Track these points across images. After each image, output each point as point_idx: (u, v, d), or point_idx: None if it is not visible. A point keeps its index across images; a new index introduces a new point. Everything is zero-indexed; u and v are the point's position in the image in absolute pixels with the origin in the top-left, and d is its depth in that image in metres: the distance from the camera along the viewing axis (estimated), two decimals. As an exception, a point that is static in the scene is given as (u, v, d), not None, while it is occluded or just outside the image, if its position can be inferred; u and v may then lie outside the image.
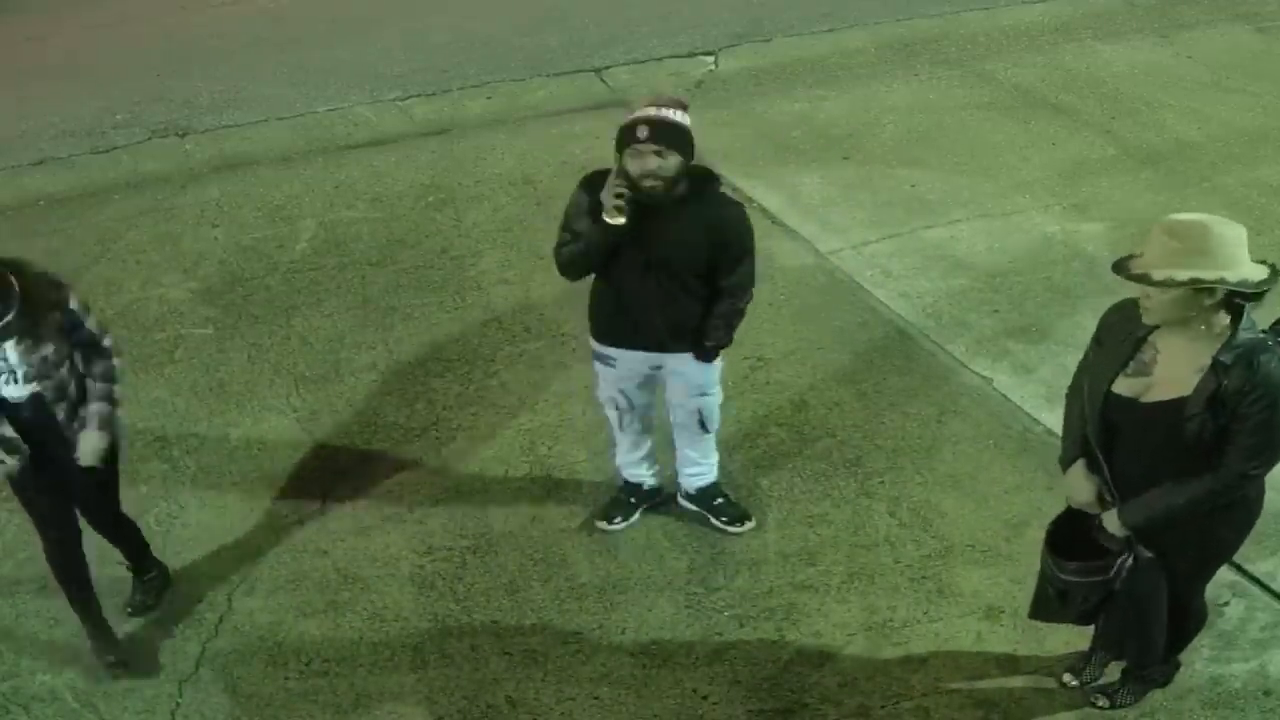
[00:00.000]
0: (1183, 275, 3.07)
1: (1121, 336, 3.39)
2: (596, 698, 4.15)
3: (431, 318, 6.14)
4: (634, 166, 3.99)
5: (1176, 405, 3.23)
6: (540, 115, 8.24)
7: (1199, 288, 3.09)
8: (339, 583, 4.62)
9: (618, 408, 4.58)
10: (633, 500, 4.85)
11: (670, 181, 4.01)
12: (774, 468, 5.09)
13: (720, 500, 4.82)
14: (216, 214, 7.18)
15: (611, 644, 4.34)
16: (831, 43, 9.09)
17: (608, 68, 8.80)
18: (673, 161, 3.98)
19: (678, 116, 4.02)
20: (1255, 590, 4.41)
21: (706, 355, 4.37)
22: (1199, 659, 4.14)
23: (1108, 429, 3.42)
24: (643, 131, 3.94)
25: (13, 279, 3.62)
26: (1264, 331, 3.26)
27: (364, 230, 6.94)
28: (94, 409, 3.91)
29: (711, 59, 8.92)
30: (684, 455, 4.76)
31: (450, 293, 6.33)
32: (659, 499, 4.88)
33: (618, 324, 4.35)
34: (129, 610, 4.41)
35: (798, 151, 7.60)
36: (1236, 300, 3.16)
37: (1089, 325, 5.76)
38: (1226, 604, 4.34)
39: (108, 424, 3.93)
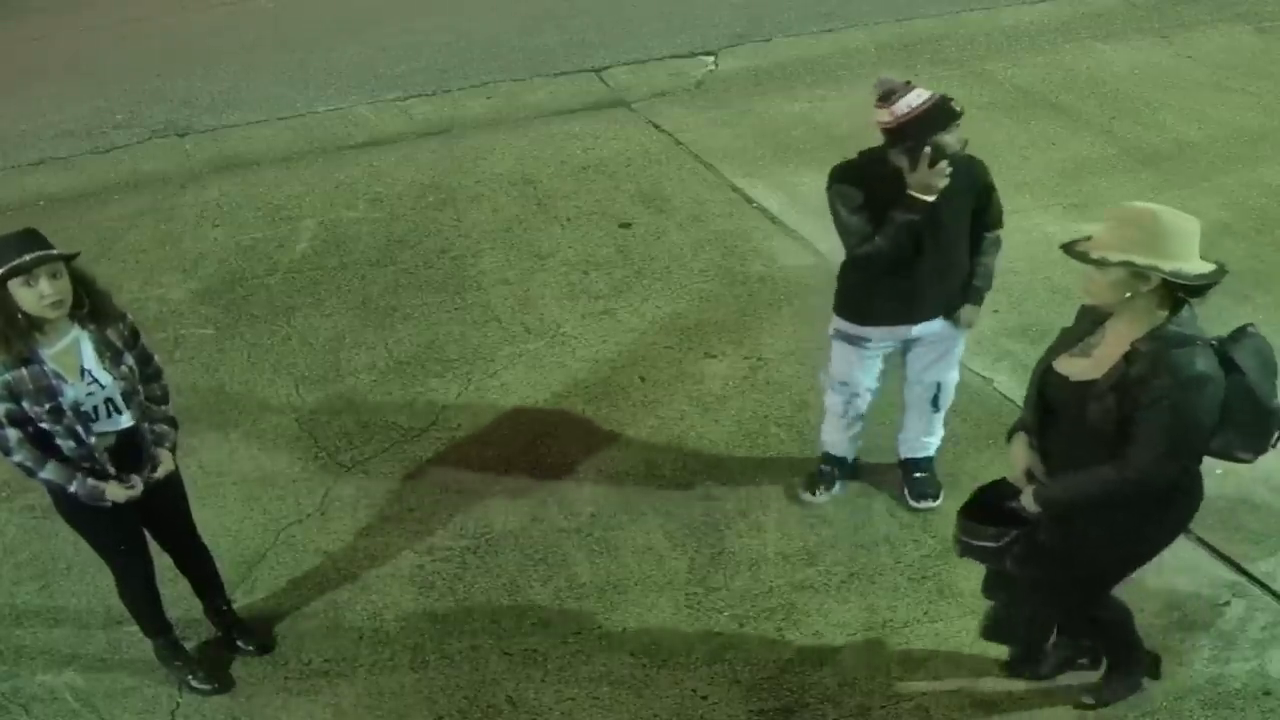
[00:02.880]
0: (1117, 257, 3.10)
1: (1088, 318, 3.41)
2: (596, 698, 4.15)
3: (431, 318, 6.14)
4: (951, 140, 4.06)
5: (1089, 385, 3.25)
6: (540, 115, 8.25)
7: (1135, 273, 3.11)
8: (339, 583, 4.62)
9: (853, 392, 4.64)
10: (836, 472, 4.94)
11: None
12: (774, 468, 5.09)
13: (920, 475, 4.87)
14: (216, 214, 7.19)
15: (611, 644, 4.34)
16: (831, 43, 9.10)
17: (608, 68, 8.81)
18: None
19: None
20: (1255, 590, 4.41)
21: (965, 316, 4.46)
22: (1199, 659, 4.14)
23: (1043, 405, 3.43)
24: (958, 105, 4.07)
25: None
26: (1219, 338, 3.24)
27: (364, 230, 6.94)
28: (162, 429, 3.88)
29: (711, 59, 8.93)
30: (911, 427, 4.83)
31: (450, 293, 6.33)
32: (854, 471, 4.96)
33: (890, 302, 4.35)
34: (251, 647, 4.33)
35: (798, 151, 7.61)
36: (1179, 294, 3.16)
37: (1089, 325, 5.83)
38: (1226, 604, 4.34)
39: (174, 444, 3.93)
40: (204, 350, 5.95)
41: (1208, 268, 3.14)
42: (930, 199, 4.08)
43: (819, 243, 6.56)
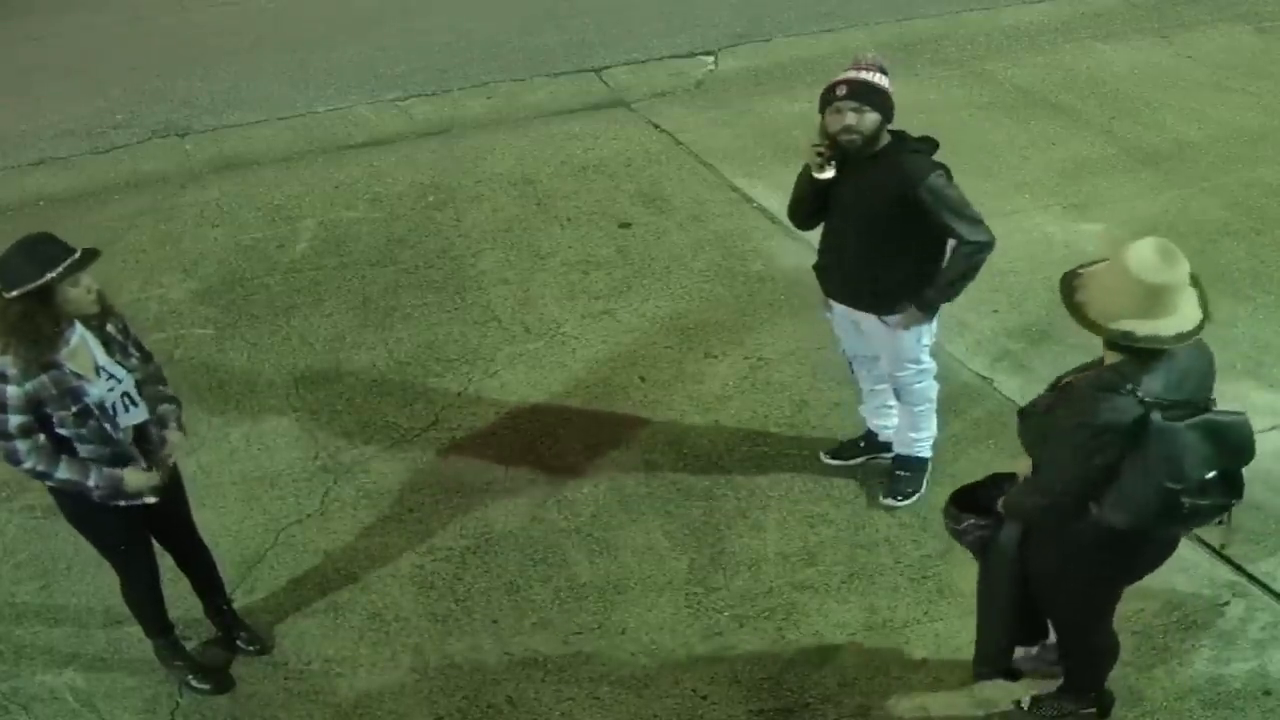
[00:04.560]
0: (1092, 315, 3.17)
1: None
2: (596, 698, 4.15)
3: (431, 318, 6.14)
4: (832, 123, 4.20)
5: (1028, 409, 3.39)
6: (540, 115, 8.25)
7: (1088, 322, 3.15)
8: (339, 583, 4.63)
9: (845, 355, 4.86)
10: (862, 445, 5.06)
11: (867, 137, 4.19)
12: (774, 468, 5.09)
13: (901, 473, 4.89)
14: (216, 214, 7.18)
15: (611, 644, 4.34)
16: (831, 43, 9.09)
17: (608, 68, 8.81)
18: (870, 119, 4.16)
19: (876, 78, 4.18)
20: (1255, 590, 4.41)
21: (892, 312, 4.43)
22: (1199, 659, 4.14)
23: None
24: (841, 89, 4.17)
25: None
26: (1186, 404, 3.10)
27: (364, 230, 6.94)
28: (166, 408, 3.90)
29: (711, 59, 8.93)
30: (896, 417, 4.92)
31: (450, 293, 6.33)
32: (882, 446, 5.00)
33: (830, 274, 4.57)
34: (251, 647, 4.32)
35: (798, 151, 7.53)
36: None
37: (1089, 325, 5.82)
38: (1226, 604, 4.34)
39: (181, 422, 3.94)
40: (204, 350, 5.95)
41: (1177, 328, 3.04)
42: (817, 175, 4.28)
43: (819, 242, 6.56)
